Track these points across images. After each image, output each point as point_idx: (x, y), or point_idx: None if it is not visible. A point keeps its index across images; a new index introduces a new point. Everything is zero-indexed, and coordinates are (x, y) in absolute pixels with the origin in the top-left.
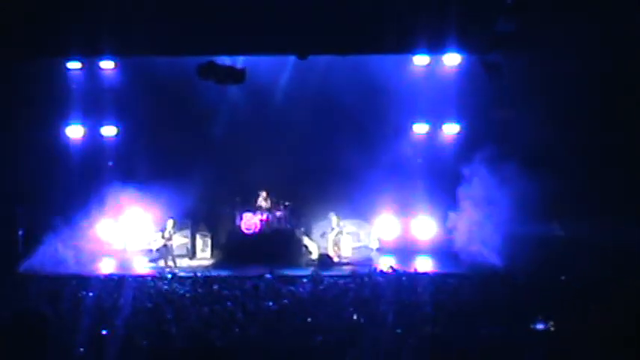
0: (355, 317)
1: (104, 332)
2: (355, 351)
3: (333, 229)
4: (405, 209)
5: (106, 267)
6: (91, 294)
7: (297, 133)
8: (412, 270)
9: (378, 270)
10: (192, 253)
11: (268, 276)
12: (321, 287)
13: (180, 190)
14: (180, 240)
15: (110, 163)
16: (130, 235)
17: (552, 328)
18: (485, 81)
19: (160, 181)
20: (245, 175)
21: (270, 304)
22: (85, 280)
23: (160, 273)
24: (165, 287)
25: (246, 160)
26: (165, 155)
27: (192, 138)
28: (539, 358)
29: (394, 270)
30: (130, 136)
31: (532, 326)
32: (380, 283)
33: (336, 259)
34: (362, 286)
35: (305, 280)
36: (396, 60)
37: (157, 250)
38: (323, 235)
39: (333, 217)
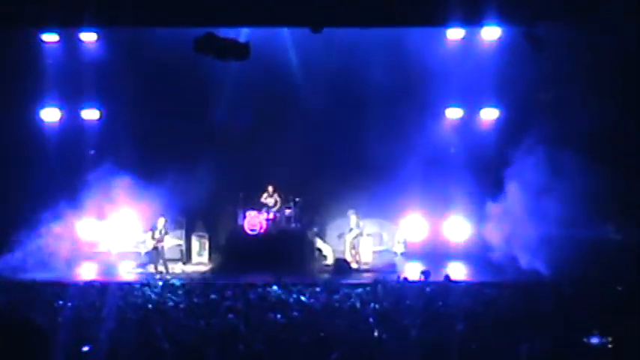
0: (376, 333)
1: (85, 349)
2: None
3: (351, 229)
4: (435, 208)
5: (87, 272)
6: (69, 304)
7: (311, 119)
8: (442, 278)
9: (402, 278)
10: (186, 257)
11: (275, 285)
12: (336, 297)
13: (173, 183)
14: (172, 241)
15: (92, 152)
16: (114, 236)
17: (610, 345)
18: (529, 57)
19: (150, 173)
20: (249, 167)
21: (278, 316)
22: (62, 288)
23: (149, 280)
24: (155, 296)
25: (251, 149)
26: (156, 143)
27: (187, 124)
28: None
29: (426, 276)
30: (115, 120)
31: (585, 340)
32: (405, 293)
33: (354, 265)
34: (384, 297)
35: (318, 290)
36: (426, 34)
37: (146, 253)
38: (340, 236)
39: (352, 216)
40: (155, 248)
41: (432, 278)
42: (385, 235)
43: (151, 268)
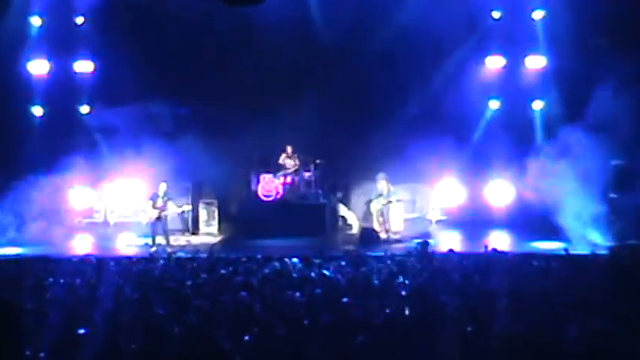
0: (407, 311)
1: (80, 332)
2: (408, 354)
3: (380, 195)
4: (474, 169)
5: (81, 246)
6: (60, 281)
7: (334, 70)
8: (483, 249)
9: (438, 249)
10: (193, 228)
11: (294, 258)
12: (362, 271)
13: (176, 144)
14: (178, 208)
15: (85, 109)
16: (111, 205)
17: None
18: None
19: (151, 132)
20: (263, 125)
21: (297, 294)
22: (53, 264)
23: (151, 254)
24: (158, 272)
25: (266, 103)
26: (158, 99)
27: (193, 76)
28: None
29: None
30: (112, 73)
31: None
32: (440, 266)
33: (383, 235)
34: (416, 270)
35: (342, 263)
36: None
37: (148, 224)
38: (368, 203)
39: (382, 180)
40: (158, 218)
41: (470, 249)
42: (418, 201)
43: (150, 241)
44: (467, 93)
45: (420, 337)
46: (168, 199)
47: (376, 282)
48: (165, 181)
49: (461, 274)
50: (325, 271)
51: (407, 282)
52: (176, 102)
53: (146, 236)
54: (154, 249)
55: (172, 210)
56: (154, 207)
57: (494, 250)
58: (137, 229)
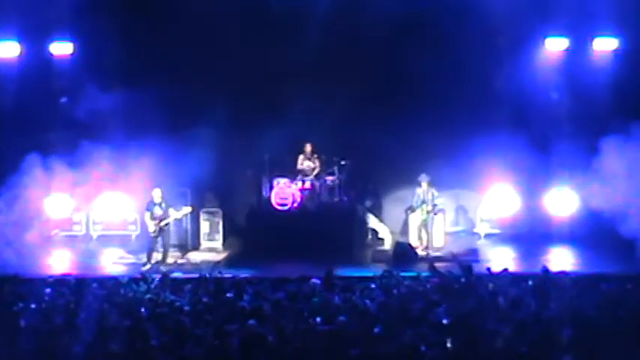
0: (450, 344)
1: None
2: None
3: (423, 202)
4: (531, 174)
5: (58, 263)
6: (32, 306)
7: (365, 51)
8: (541, 269)
9: (487, 268)
10: (193, 242)
11: (314, 279)
12: (396, 295)
13: (172, 141)
14: (179, 215)
15: (63, 100)
16: (94, 214)
17: None
18: None
19: (142, 127)
20: (278, 119)
21: (318, 320)
22: (25, 285)
23: (142, 273)
24: (152, 296)
25: (281, 94)
26: (149, 88)
27: (192, 59)
28: None
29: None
30: (94, 56)
31: None
32: (490, 289)
33: (421, 253)
34: (462, 294)
35: (372, 286)
36: None
37: (149, 237)
38: (408, 212)
39: (424, 184)
40: (160, 230)
41: (526, 268)
42: (464, 210)
43: (144, 257)
44: (523, 81)
45: None
46: (168, 206)
47: (413, 308)
48: (159, 187)
49: (514, 299)
50: (352, 296)
51: (449, 308)
52: (172, 91)
53: (135, 252)
54: (147, 267)
55: (175, 217)
56: (153, 218)
57: (555, 270)
58: (125, 243)
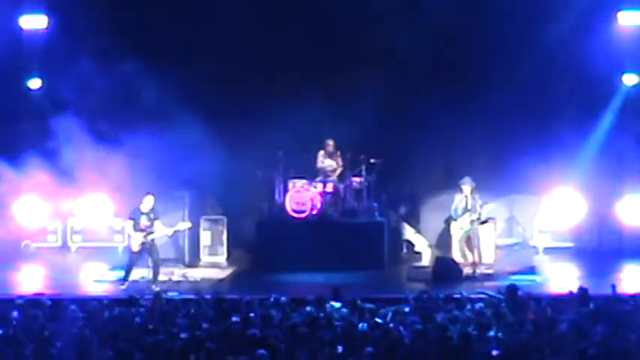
0: None
1: None
2: None
3: (467, 210)
4: (600, 177)
5: (29, 282)
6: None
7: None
8: (611, 290)
9: (544, 289)
10: (191, 256)
11: (336, 301)
12: (436, 322)
13: (167, 135)
14: (166, 232)
15: (35, 83)
16: (72, 222)
17: None
18: None
19: (131, 117)
20: (295, 109)
21: (339, 351)
22: None
23: (130, 294)
24: (140, 320)
25: (298, 81)
26: (138, 68)
27: (192, 37)
28: None
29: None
30: (73, 31)
31: None
32: (551, 313)
33: (467, 270)
34: (516, 320)
35: (406, 310)
36: None
37: (129, 252)
38: (448, 222)
39: (467, 187)
40: (143, 244)
41: (593, 289)
42: (518, 219)
43: (122, 274)
44: (590, 64)
45: None
46: (155, 217)
47: (454, 337)
48: (152, 194)
49: (577, 327)
50: (381, 320)
51: (500, 337)
52: (166, 75)
53: (122, 268)
54: (124, 286)
55: (163, 232)
56: (136, 229)
57: (627, 291)
58: (110, 257)
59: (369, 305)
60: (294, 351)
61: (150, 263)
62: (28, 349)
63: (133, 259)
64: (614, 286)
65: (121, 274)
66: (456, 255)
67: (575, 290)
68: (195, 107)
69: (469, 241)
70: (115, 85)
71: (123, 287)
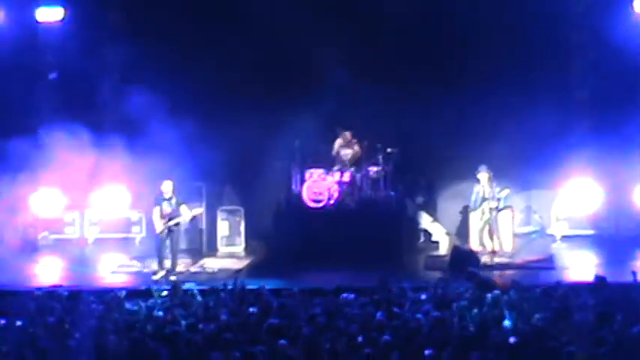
0: None
1: None
2: None
3: (485, 199)
4: (617, 165)
5: (47, 273)
6: (18, 324)
7: (418, 18)
8: (631, 277)
9: (564, 276)
10: (209, 246)
11: (354, 291)
12: (452, 310)
13: (184, 125)
14: (191, 216)
15: (52, 75)
16: (90, 214)
17: None
18: None
19: (147, 108)
20: (311, 97)
21: (359, 340)
22: (8, 299)
23: (148, 285)
24: (160, 312)
25: (315, 68)
26: (156, 59)
27: (208, 27)
28: None
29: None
30: (90, 23)
31: None
32: (568, 302)
33: (485, 259)
34: (534, 309)
35: (423, 297)
36: None
37: (156, 239)
38: (466, 211)
39: (484, 176)
40: (169, 231)
41: (612, 276)
42: (536, 208)
43: (156, 265)
44: (608, 53)
45: None
46: (179, 202)
47: (472, 326)
48: (169, 179)
49: (596, 314)
50: (397, 311)
51: (516, 325)
52: (184, 64)
53: (141, 259)
54: (159, 275)
55: (187, 217)
56: (162, 215)
57: None
58: (128, 248)
59: (386, 294)
60: (312, 343)
61: (168, 253)
62: (46, 341)
63: (161, 247)
64: (635, 273)
65: (150, 264)
66: (474, 244)
67: (593, 278)
68: (212, 99)
69: (489, 230)
70: (132, 77)
71: (156, 277)
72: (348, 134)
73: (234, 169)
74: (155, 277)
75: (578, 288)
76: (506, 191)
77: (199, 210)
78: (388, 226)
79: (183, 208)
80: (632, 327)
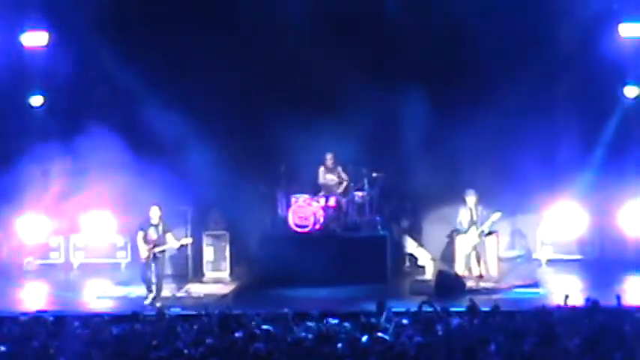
0: None
1: None
2: None
3: (474, 223)
4: (602, 188)
5: (32, 298)
6: (2, 348)
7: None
8: (615, 301)
9: (550, 300)
10: (194, 271)
11: (338, 315)
12: (440, 334)
13: (170, 150)
14: (177, 245)
15: (37, 100)
16: (75, 239)
17: None
18: None
19: (134, 133)
20: (297, 121)
21: None
22: None
23: (134, 310)
24: (144, 336)
25: (300, 92)
26: (141, 84)
27: (190, 49)
28: None
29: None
30: (75, 48)
31: None
32: (556, 327)
33: (470, 283)
34: (521, 333)
35: (405, 322)
36: None
37: (141, 265)
38: (452, 235)
39: (471, 199)
40: (155, 257)
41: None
42: (522, 231)
43: (145, 292)
44: (591, 75)
45: None
46: (166, 230)
47: (458, 350)
48: (157, 205)
49: (583, 339)
50: (383, 336)
51: (503, 350)
52: (169, 88)
53: (126, 284)
54: (149, 300)
55: (172, 246)
56: (146, 241)
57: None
58: (113, 273)
59: (372, 320)
60: None
61: (153, 278)
62: None
63: (145, 272)
64: (619, 297)
65: (137, 290)
66: (460, 268)
67: (584, 302)
68: (198, 123)
69: (476, 254)
70: (117, 101)
71: (147, 302)
72: (329, 157)
73: (220, 194)
74: (146, 302)
75: (565, 312)
76: (498, 214)
77: (188, 240)
78: (374, 250)
79: (170, 237)
80: (615, 352)
